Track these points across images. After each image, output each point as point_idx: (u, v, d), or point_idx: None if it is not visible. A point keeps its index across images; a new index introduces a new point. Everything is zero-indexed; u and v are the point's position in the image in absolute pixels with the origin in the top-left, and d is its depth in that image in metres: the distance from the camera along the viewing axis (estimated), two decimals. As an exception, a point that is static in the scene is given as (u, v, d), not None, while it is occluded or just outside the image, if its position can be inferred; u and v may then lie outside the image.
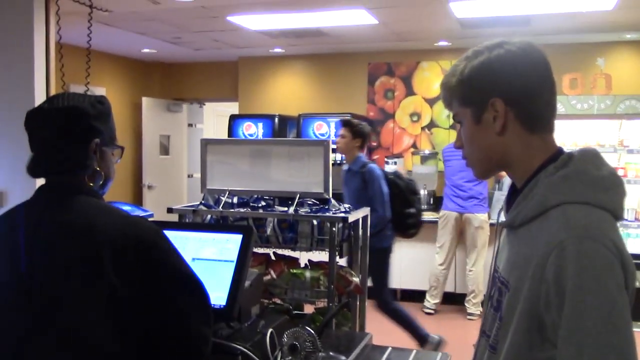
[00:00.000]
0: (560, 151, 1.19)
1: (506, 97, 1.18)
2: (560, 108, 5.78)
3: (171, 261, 1.40)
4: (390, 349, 2.42)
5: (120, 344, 1.30)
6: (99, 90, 6.82)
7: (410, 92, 6.93)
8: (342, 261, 2.79)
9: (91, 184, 1.40)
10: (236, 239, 1.97)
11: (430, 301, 5.77)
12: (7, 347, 1.30)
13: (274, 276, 2.73)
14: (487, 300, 1.26)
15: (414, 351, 2.38)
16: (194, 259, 1.96)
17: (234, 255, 1.95)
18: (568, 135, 5.91)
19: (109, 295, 1.27)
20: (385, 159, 6.61)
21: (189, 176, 8.45)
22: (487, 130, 1.20)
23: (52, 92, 4.98)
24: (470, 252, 5.62)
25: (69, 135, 1.35)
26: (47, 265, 1.29)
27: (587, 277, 1.00)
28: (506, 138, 1.19)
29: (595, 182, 1.11)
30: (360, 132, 4.30)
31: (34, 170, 1.35)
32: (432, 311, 5.79)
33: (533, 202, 1.13)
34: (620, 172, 5.72)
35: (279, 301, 2.91)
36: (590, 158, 1.15)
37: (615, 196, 1.12)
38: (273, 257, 2.87)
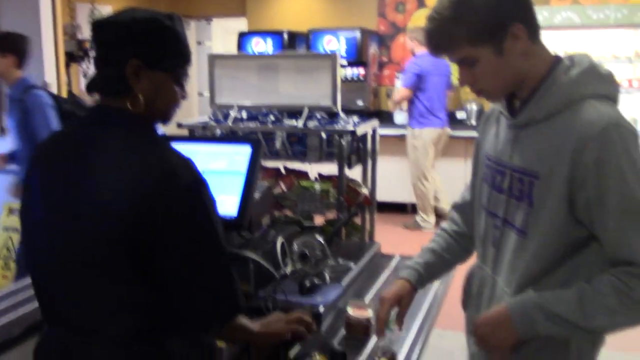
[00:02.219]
0: (557, 56, 1.27)
1: (522, 17, 1.21)
2: (575, 18, 5.60)
3: (197, 223, 1.18)
4: (398, 257, 2.48)
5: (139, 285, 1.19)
6: (105, 9, 6.68)
7: (421, 4, 6.71)
8: (351, 173, 2.80)
9: (134, 110, 1.23)
10: (245, 151, 1.98)
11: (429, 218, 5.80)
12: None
13: (284, 189, 2.76)
14: (491, 188, 1.33)
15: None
16: (204, 171, 1.98)
17: (243, 166, 1.96)
18: (582, 46, 5.74)
19: (125, 235, 1.15)
20: (396, 74, 6.49)
21: (199, 94, 8.40)
22: (509, 57, 1.23)
23: (58, 10, 4.89)
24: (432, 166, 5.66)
25: (107, 51, 1.23)
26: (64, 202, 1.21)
27: (628, 157, 1.13)
28: (526, 58, 1.24)
29: (605, 77, 1.23)
30: (11, 47, 3.29)
31: (87, 85, 1.26)
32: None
33: (556, 97, 1.21)
34: (635, 84, 5.61)
35: (289, 213, 2.96)
36: (589, 58, 1.25)
37: (616, 87, 1.25)
38: (283, 172, 2.89)
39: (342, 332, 1.79)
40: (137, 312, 1.20)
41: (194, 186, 1.18)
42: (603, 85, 1.21)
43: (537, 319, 1.20)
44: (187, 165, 1.19)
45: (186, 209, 1.15)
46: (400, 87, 5.61)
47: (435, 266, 1.56)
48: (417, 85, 5.39)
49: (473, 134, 5.79)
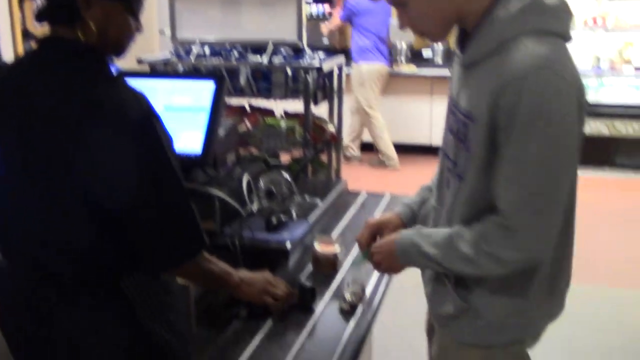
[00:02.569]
0: None
1: None
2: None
3: (150, 158, 1.15)
4: (364, 193, 2.49)
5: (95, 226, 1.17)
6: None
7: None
8: (317, 110, 2.77)
9: (85, 39, 1.17)
10: (208, 87, 1.92)
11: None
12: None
13: (249, 127, 2.71)
14: (447, 129, 1.31)
15: (387, 195, 2.45)
16: (166, 107, 1.93)
17: (207, 102, 1.91)
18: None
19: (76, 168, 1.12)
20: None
21: (160, 32, 8.10)
22: None
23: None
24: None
25: None
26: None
27: (541, 103, 1.05)
28: None
29: (550, 10, 1.13)
30: None
31: (37, 13, 1.20)
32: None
33: (491, 36, 1.15)
34: (599, 21, 5.62)
35: (255, 151, 2.92)
36: None
37: (565, 21, 1.15)
38: (248, 109, 2.83)
39: (310, 268, 1.80)
40: (93, 251, 1.18)
41: (145, 121, 1.13)
42: (546, 20, 1.12)
43: (413, 255, 1.29)
44: (137, 99, 1.14)
45: (136, 144, 1.12)
46: (335, 17, 5.77)
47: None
48: (351, 20, 5.52)
49: (439, 72, 5.80)
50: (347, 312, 1.55)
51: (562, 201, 1.15)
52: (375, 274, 1.74)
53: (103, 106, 1.10)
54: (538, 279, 1.25)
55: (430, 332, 1.54)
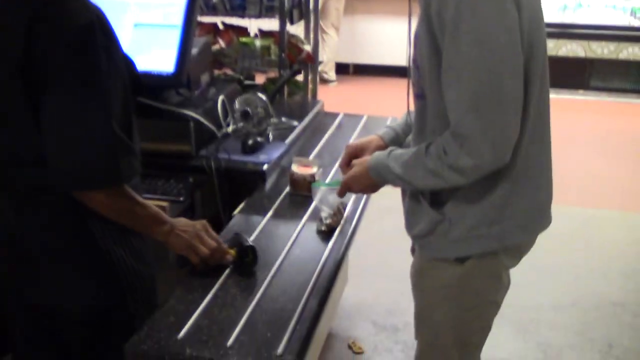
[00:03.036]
0: None
1: None
2: None
3: (82, 66, 1.10)
4: (341, 115, 2.45)
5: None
6: None
7: None
8: (292, 29, 2.68)
9: None
10: (180, 2, 1.84)
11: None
12: None
13: (223, 45, 2.63)
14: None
15: (365, 116, 2.42)
16: (136, 25, 1.84)
17: (178, 19, 1.83)
18: None
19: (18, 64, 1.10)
20: None
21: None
22: None
23: None
24: None
25: None
26: None
27: (465, 5, 1.07)
28: None
29: None
30: None
31: None
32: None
33: None
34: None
35: (229, 72, 2.85)
36: None
37: None
38: (221, 27, 2.73)
39: (287, 189, 1.79)
40: (38, 162, 1.15)
41: (86, 32, 1.10)
42: None
43: (385, 175, 1.32)
44: (86, 9, 1.12)
45: (72, 52, 1.09)
46: None
47: (408, 131, 1.54)
48: None
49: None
50: (325, 234, 1.55)
51: (511, 100, 1.12)
52: (352, 195, 1.74)
53: (47, 9, 1.08)
54: (505, 187, 1.25)
55: (413, 252, 1.56)
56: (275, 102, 2.31)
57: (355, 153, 1.52)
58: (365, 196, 1.77)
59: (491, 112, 1.11)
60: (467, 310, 1.38)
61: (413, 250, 1.55)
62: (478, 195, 1.26)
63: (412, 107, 1.40)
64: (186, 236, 1.33)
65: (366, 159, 1.38)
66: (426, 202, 1.32)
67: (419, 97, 1.27)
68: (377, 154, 1.35)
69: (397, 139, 1.53)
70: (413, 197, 1.37)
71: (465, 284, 1.34)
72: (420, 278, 1.43)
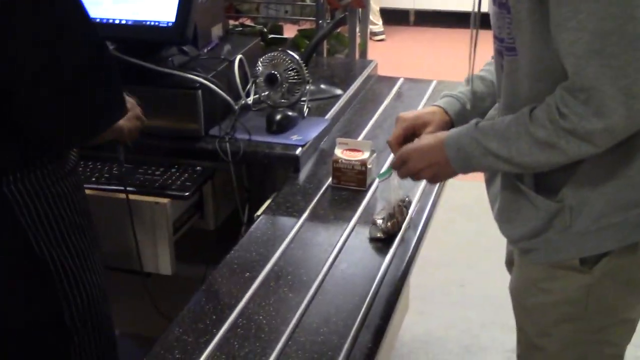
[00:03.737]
0: None
1: None
2: None
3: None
4: (401, 80, 2.44)
5: None
6: None
7: None
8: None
9: None
10: None
11: None
12: None
13: (241, -13, 2.64)
14: (489, 5, 1.32)
15: (434, 82, 2.41)
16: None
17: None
18: None
19: None
20: None
21: None
22: None
23: None
24: None
25: None
26: None
27: None
28: None
29: None
30: None
31: None
32: None
33: None
34: None
35: (249, 23, 2.87)
36: None
37: None
38: (238, -39, 2.74)
39: (328, 181, 1.78)
40: None
41: None
42: None
43: (472, 154, 1.30)
44: None
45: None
46: None
47: (486, 97, 1.53)
48: None
49: None
50: (381, 242, 1.55)
51: None
52: (418, 191, 1.72)
53: None
54: None
55: (510, 265, 1.55)
56: (311, 63, 2.30)
57: (414, 128, 1.50)
58: (436, 188, 1.75)
59: (624, 53, 1.11)
60: (594, 333, 1.37)
61: (510, 262, 1.53)
62: (607, 170, 1.25)
63: (479, 70, 1.41)
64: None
65: (439, 135, 1.38)
66: (531, 189, 1.31)
67: (509, 50, 1.27)
68: (456, 131, 1.35)
69: (462, 112, 1.51)
70: (509, 186, 1.36)
71: (594, 297, 1.33)
72: (527, 295, 1.42)
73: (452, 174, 1.38)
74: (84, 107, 1.29)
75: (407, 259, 1.52)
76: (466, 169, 1.34)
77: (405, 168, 1.43)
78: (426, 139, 1.41)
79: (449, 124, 1.49)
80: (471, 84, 1.52)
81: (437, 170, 1.38)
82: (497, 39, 1.30)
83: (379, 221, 1.58)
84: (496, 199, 1.41)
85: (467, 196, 3.13)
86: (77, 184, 1.40)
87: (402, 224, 1.60)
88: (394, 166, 1.47)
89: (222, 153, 1.83)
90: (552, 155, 1.21)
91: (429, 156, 1.38)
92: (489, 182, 1.45)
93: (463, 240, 3.16)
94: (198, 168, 1.84)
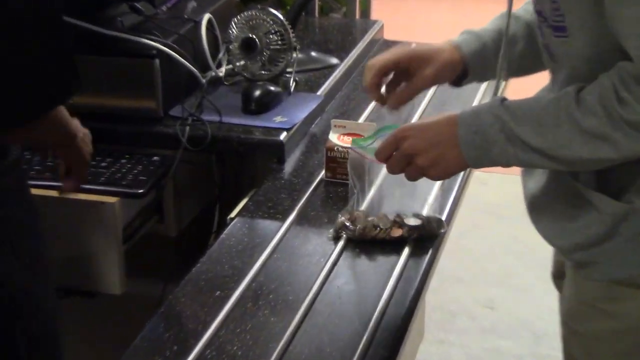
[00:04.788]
0: None
1: None
2: None
3: None
4: (414, 45, 2.43)
5: None
6: None
7: None
8: None
9: None
10: None
11: None
12: None
13: None
14: None
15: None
16: None
17: None
18: None
19: None
20: None
21: None
22: None
23: None
24: None
25: None
26: None
27: None
28: None
29: None
30: None
31: None
32: None
33: None
34: None
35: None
36: None
37: None
38: None
39: (322, 174, 1.78)
40: None
41: None
42: None
43: (495, 139, 1.28)
44: None
45: None
46: None
47: (518, 40, 1.52)
48: None
49: None
50: (387, 252, 1.55)
51: None
52: (436, 186, 1.72)
53: None
54: None
55: (559, 278, 1.56)
56: (299, 24, 2.30)
57: (403, 63, 1.48)
58: (458, 182, 1.76)
59: None
60: None
61: (559, 276, 1.54)
62: None
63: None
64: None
65: (440, 118, 1.37)
66: (590, 187, 1.32)
67: (557, 30, 1.27)
68: (474, 108, 1.34)
69: (483, 54, 1.50)
70: (559, 182, 1.36)
71: None
72: (582, 320, 1.42)
73: (460, 166, 1.37)
74: (24, 70, 1.28)
75: (421, 273, 1.52)
76: (481, 161, 1.33)
77: (398, 152, 1.38)
78: (429, 122, 1.39)
79: (460, 67, 1.47)
80: (502, 23, 1.48)
81: (439, 156, 1.35)
82: (538, 14, 1.30)
83: (343, 219, 1.58)
84: (538, 197, 1.41)
85: (498, 192, 3.13)
86: (21, 179, 1.41)
87: (388, 235, 1.59)
88: (382, 152, 1.41)
89: (186, 139, 1.83)
90: (600, 150, 1.21)
91: (431, 133, 1.36)
92: (527, 175, 1.45)
93: (493, 248, 3.16)
94: (155, 158, 1.84)
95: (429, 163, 1.35)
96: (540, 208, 1.42)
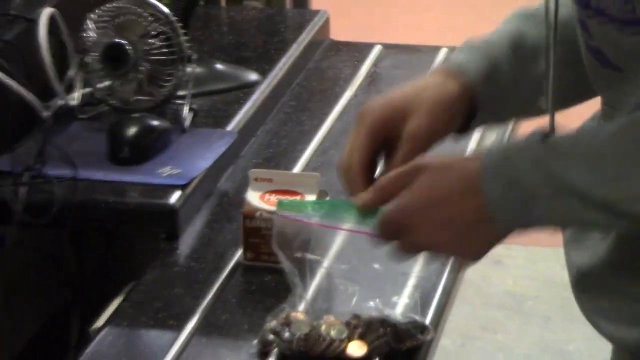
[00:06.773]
0: None
1: None
2: None
3: None
4: (378, 48, 2.48)
5: None
6: None
7: None
8: None
9: None
10: None
11: None
12: None
13: None
14: None
15: (444, 49, 2.46)
16: None
17: None
18: None
19: None
20: None
21: None
22: None
23: None
24: None
25: None
26: None
27: None
28: None
29: None
30: None
31: None
32: None
33: None
34: None
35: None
36: None
37: None
38: None
39: (237, 256, 1.79)
40: None
41: None
42: None
43: (538, 192, 1.31)
44: None
45: None
46: None
47: (537, 54, 1.53)
48: None
49: None
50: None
51: None
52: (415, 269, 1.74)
53: None
54: None
55: None
56: (193, 19, 2.32)
57: (387, 124, 1.50)
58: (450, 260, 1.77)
59: None
60: None
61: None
62: None
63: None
64: None
65: (474, 156, 1.41)
66: None
67: (628, 25, 1.31)
68: (502, 144, 1.37)
69: (496, 79, 1.53)
70: (634, 251, 1.40)
71: None
72: None
73: (489, 233, 1.39)
74: None
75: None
76: (521, 222, 1.37)
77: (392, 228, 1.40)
78: (432, 170, 1.40)
79: (462, 104, 1.50)
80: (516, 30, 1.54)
81: (453, 218, 1.38)
82: (584, 6, 1.35)
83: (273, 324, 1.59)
84: (593, 273, 1.45)
85: (520, 275, 3.18)
86: None
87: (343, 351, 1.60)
88: (384, 229, 1.41)
89: (22, 208, 1.83)
90: None
91: (440, 186, 1.39)
92: (573, 243, 1.50)
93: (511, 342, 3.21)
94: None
95: (438, 234, 1.39)
96: (594, 287, 1.46)
